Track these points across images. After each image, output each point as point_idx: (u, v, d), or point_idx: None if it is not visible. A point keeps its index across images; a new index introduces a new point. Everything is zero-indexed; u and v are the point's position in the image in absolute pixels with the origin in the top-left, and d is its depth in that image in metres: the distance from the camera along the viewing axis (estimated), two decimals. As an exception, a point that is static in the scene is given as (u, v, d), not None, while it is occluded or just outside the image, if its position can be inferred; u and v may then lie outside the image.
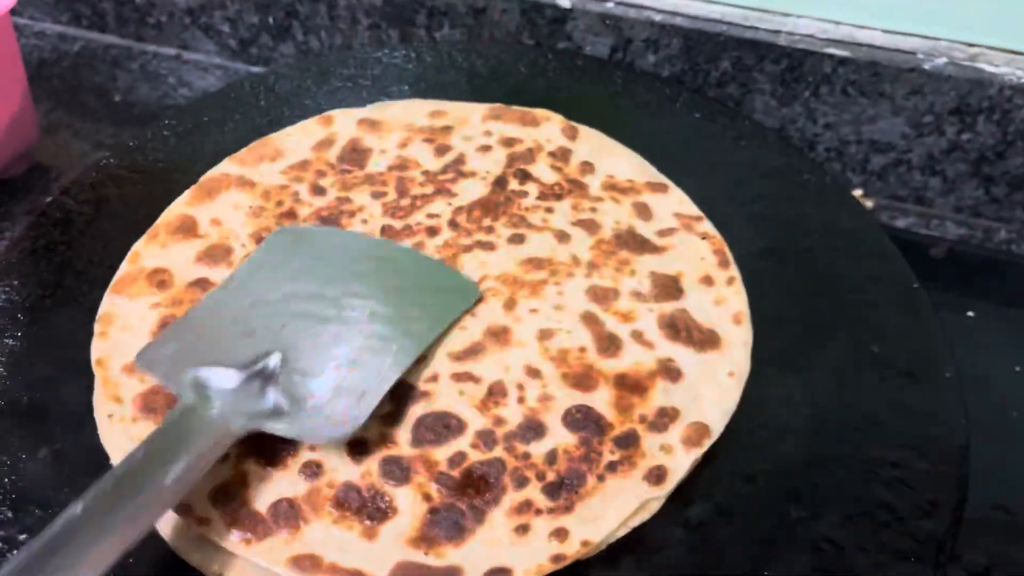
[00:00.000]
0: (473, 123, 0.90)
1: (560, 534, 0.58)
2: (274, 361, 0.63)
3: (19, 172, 1.02)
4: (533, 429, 0.63)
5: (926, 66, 0.92)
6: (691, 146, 0.88)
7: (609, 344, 0.69)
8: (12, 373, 0.69)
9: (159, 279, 0.74)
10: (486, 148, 0.87)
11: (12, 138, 0.97)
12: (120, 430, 0.63)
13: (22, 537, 0.59)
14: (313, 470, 0.61)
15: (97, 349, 0.69)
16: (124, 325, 0.70)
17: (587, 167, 0.85)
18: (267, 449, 0.62)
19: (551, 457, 0.62)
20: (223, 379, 0.61)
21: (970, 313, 0.86)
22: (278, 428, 0.60)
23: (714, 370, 0.68)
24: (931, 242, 0.96)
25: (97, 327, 0.70)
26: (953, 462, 0.63)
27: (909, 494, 0.61)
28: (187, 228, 0.78)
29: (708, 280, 0.75)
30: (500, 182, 0.83)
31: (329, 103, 0.93)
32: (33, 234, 0.80)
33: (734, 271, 0.76)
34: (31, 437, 0.65)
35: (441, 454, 0.62)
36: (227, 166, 0.85)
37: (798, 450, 0.64)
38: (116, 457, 0.62)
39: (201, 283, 0.73)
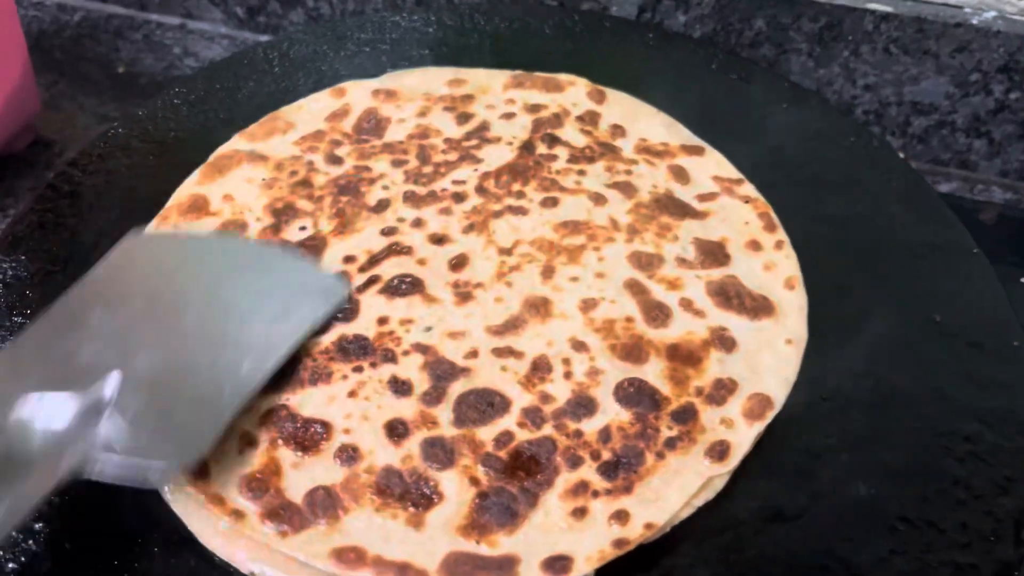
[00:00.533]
0: (495, 91, 0.85)
1: (621, 517, 0.53)
2: (112, 385, 0.54)
3: (21, 147, 0.96)
4: (583, 405, 0.59)
5: (974, 21, 0.86)
6: (728, 109, 0.83)
7: (658, 313, 0.65)
8: None
9: (174, 259, 0.69)
10: (510, 115, 0.82)
11: (13, 111, 0.91)
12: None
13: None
14: (349, 454, 0.57)
15: None
16: (135, 304, 0.66)
17: (618, 130, 0.81)
18: (299, 433, 0.58)
19: (605, 434, 0.57)
20: (51, 410, 0.53)
21: (1023, 279, 0.83)
22: (108, 467, 0.52)
23: (770, 338, 0.64)
24: (975, 207, 0.91)
25: None
26: (1029, 434, 0.59)
27: (985, 470, 0.57)
28: (198, 206, 0.73)
29: (755, 245, 0.71)
30: (527, 147, 0.78)
31: (347, 69, 0.88)
32: (41, 207, 0.74)
33: (782, 234, 0.72)
34: None
35: (486, 434, 0.58)
36: (237, 142, 0.79)
37: (864, 424, 0.60)
38: None
39: (220, 263, 0.69)
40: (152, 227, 0.72)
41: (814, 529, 0.55)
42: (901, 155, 0.94)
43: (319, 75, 0.88)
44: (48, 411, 0.53)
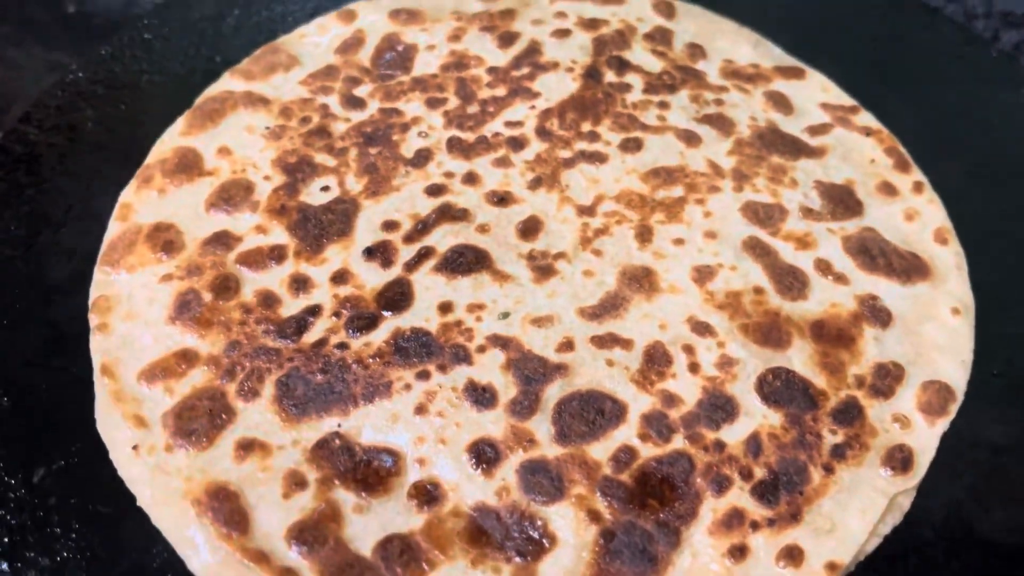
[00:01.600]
0: (540, 3, 0.70)
1: (793, 556, 0.42)
2: None
3: None
4: (720, 407, 0.47)
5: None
6: (821, 20, 0.71)
7: (792, 281, 0.52)
8: None
9: (164, 239, 0.54)
10: (563, 33, 0.67)
11: None
12: (151, 465, 0.45)
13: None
14: (429, 493, 0.44)
15: (99, 349, 0.50)
16: (129, 311, 0.51)
17: (697, 50, 0.67)
18: (359, 468, 0.45)
19: (754, 445, 0.45)
20: None
21: None
22: None
23: (932, 306, 0.52)
24: None
25: (93, 318, 0.51)
26: None
27: None
28: (189, 164, 0.58)
29: (889, 188, 0.58)
30: (592, 74, 0.64)
31: None
32: None
33: (918, 174, 0.59)
34: (21, 452, 0.47)
35: (600, 451, 0.45)
36: (229, 82, 0.64)
37: (1052, 403, 0.49)
38: (145, 498, 0.45)
39: (221, 239, 0.54)
40: (131, 192, 0.57)
41: (1020, 545, 0.45)
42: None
43: None
44: None
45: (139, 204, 0.56)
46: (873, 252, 0.53)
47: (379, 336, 0.49)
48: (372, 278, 0.52)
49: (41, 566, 0.44)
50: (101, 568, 0.44)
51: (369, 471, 0.45)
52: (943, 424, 0.47)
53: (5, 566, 0.44)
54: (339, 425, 0.46)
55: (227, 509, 0.43)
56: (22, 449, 0.48)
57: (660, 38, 0.67)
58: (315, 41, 0.67)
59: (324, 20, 0.68)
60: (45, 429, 0.48)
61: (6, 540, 0.44)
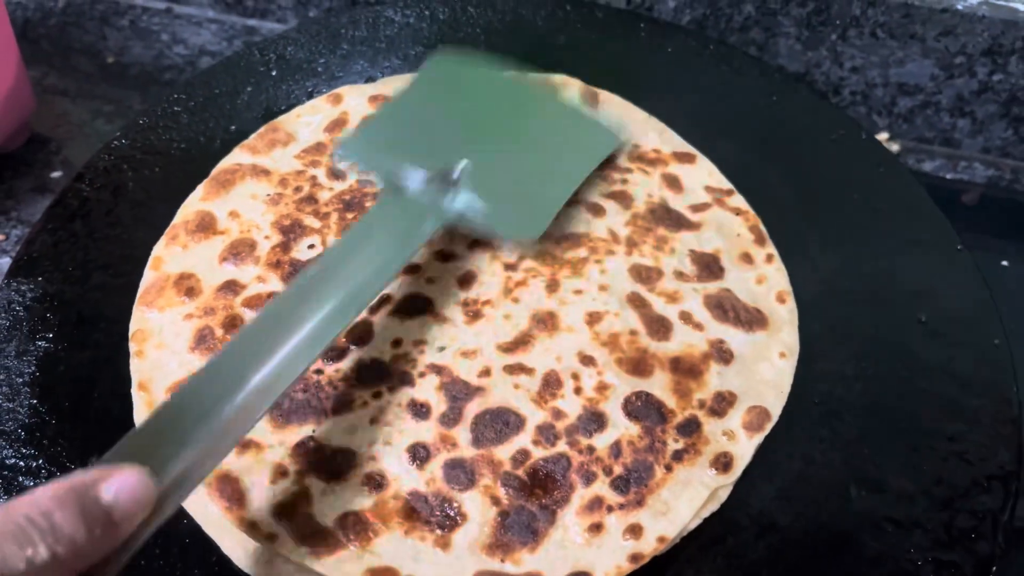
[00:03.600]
0: None
1: (635, 531, 0.57)
2: (461, 167, 0.68)
3: (17, 145, 0.94)
4: (594, 420, 0.62)
5: (959, 6, 0.88)
6: (722, 103, 0.84)
7: (659, 327, 0.67)
8: (49, 376, 0.65)
9: (186, 286, 0.69)
10: None
11: (9, 110, 0.89)
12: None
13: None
14: (377, 481, 0.59)
15: (137, 370, 0.64)
16: (159, 342, 0.66)
17: (612, 138, 0.82)
18: (328, 463, 0.60)
19: (616, 449, 0.60)
20: (415, 177, 0.67)
21: (1004, 263, 0.85)
22: (474, 219, 0.67)
23: (765, 350, 0.66)
24: (960, 186, 0.94)
25: (132, 345, 0.66)
26: (1008, 434, 0.62)
27: (966, 469, 0.60)
28: (206, 225, 0.74)
29: (747, 258, 0.73)
30: (526, 152, 0.79)
31: (342, 68, 0.87)
32: (52, 226, 0.74)
33: (771, 248, 0.74)
34: (78, 444, 0.62)
35: (504, 452, 0.60)
36: (239, 155, 0.79)
37: (853, 428, 0.63)
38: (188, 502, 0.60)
39: (230, 287, 0.69)
40: (162, 247, 0.73)
41: (810, 532, 0.58)
42: (884, 135, 0.97)
43: (316, 77, 0.87)
44: (412, 177, 0.68)
45: (167, 257, 0.72)
46: (726, 307, 0.68)
47: (347, 364, 0.64)
48: None
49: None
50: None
51: (334, 465, 0.60)
52: (759, 438, 0.61)
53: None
54: (313, 431, 0.61)
55: (229, 490, 0.58)
56: (80, 442, 0.62)
57: (583, 127, 0.82)
58: (308, 120, 0.82)
59: (316, 102, 0.84)
60: (97, 428, 0.62)
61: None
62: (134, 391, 0.64)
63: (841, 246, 0.74)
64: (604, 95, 0.84)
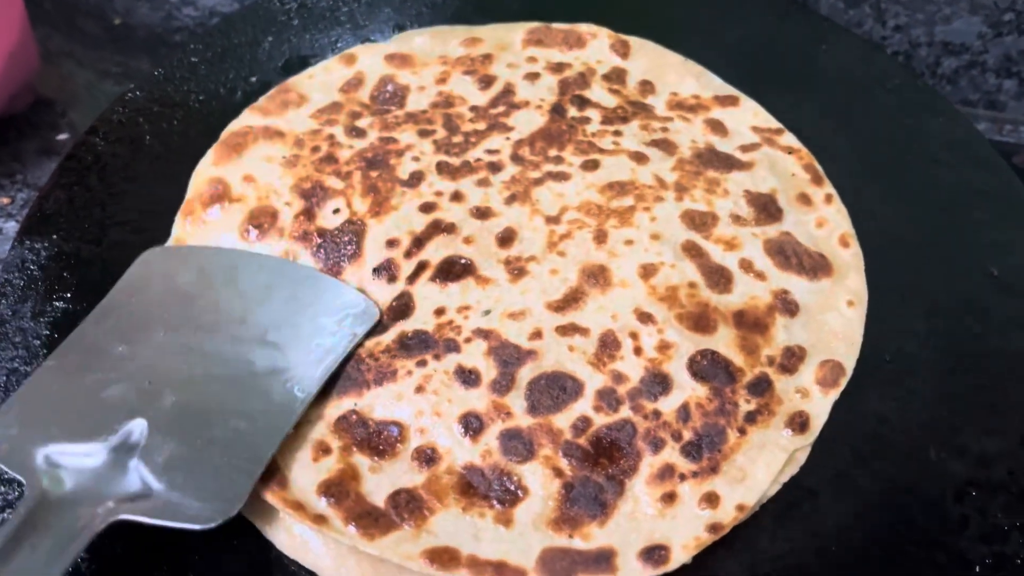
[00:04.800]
0: (514, 48, 0.78)
1: (711, 500, 0.52)
2: (139, 430, 0.51)
3: (22, 107, 0.88)
4: (658, 383, 0.56)
5: (1012, -42, 0.82)
6: (766, 52, 0.78)
7: (719, 277, 0.61)
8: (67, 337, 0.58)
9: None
10: (534, 76, 0.75)
11: (13, 69, 0.83)
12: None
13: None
14: (428, 455, 0.54)
15: None
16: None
17: (647, 87, 0.75)
18: (373, 438, 0.55)
19: (684, 413, 0.55)
20: (79, 457, 0.50)
21: None
22: (141, 513, 0.48)
23: (832, 299, 0.61)
24: (1004, 148, 0.88)
25: None
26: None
27: (1055, 429, 0.55)
28: (220, 194, 0.67)
29: (805, 199, 0.67)
30: (558, 110, 0.72)
31: (368, 16, 0.81)
32: (66, 181, 0.68)
33: (830, 188, 0.68)
34: None
35: (563, 420, 0.55)
36: (249, 117, 0.72)
37: (928, 386, 0.58)
38: None
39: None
40: (177, 223, 0.66)
41: (890, 495, 0.54)
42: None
43: (339, 27, 0.81)
44: (78, 455, 0.50)
45: (186, 235, 0.66)
46: (787, 253, 0.63)
47: (388, 337, 0.59)
48: (382, 294, 0.61)
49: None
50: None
51: (380, 439, 0.54)
52: (834, 394, 0.56)
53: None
54: (355, 404, 0.56)
55: (270, 469, 0.53)
56: None
57: (616, 78, 0.76)
58: (322, 80, 0.75)
59: (329, 63, 0.77)
60: None
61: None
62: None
63: (903, 197, 0.68)
64: (635, 42, 0.78)
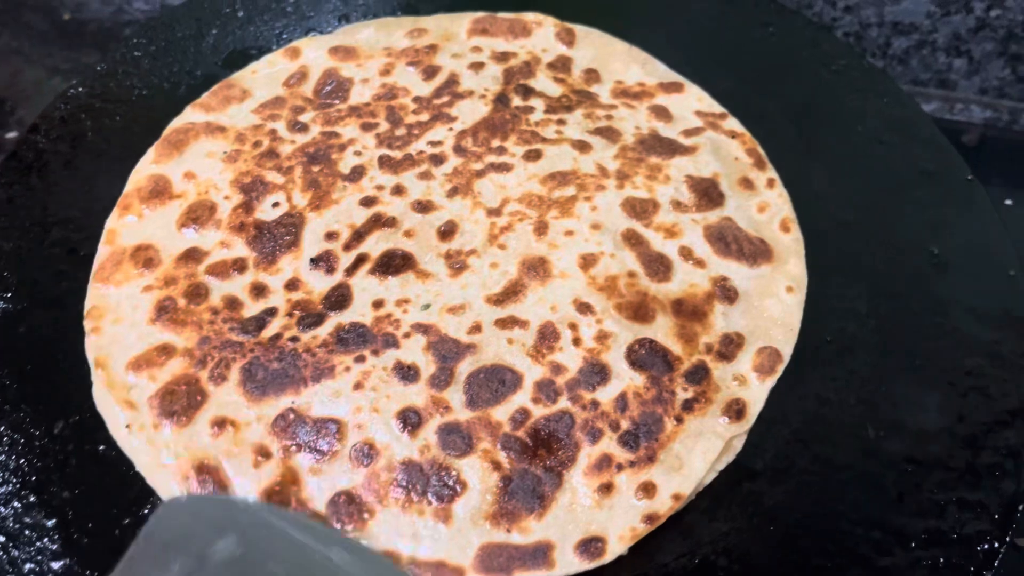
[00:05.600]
0: (458, 39, 0.77)
1: (647, 489, 0.52)
2: None
3: None
4: (596, 373, 0.56)
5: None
6: (712, 37, 0.77)
7: (659, 266, 0.61)
8: (8, 337, 0.59)
9: (144, 257, 0.62)
10: (478, 65, 0.74)
11: None
12: (143, 441, 0.54)
13: (50, 523, 0.51)
14: (366, 452, 0.53)
15: (93, 347, 0.58)
16: (116, 317, 0.59)
17: (592, 75, 0.74)
18: (311, 437, 0.54)
19: (622, 402, 0.55)
20: None
21: (1008, 201, 0.79)
22: None
23: (771, 285, 0.61)
24: (956, 128, 0.87)
25: (88, 323, 0.59)
26: (1031, 365, 0.57)
27: (988, 404, 0.55)
28: (160, 190, 0.66)
29: (747, 183, 0.67)
30: (502, 99, 0.71)
31: (314, 7, 0.79)
32: (7, 180, 0.67)
33: (772, 172, 0.68)
34: (41, 410, 0.56)
35: (501, 413, 0.54)
36: (191, 114, 0.71)
37: (868, 366, 0.58)
38: (142, 466, 0.54)
39: (192, 254, 0.62)
40: (115, 219, 0.65)
41: (828, 474, 0.53)
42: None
43: (285, 18, 0.79)
44: None
45: (122, 229, 0.64)
46: (728, 239, 0.62)
47: (324, 330, 0.58)
48: (318, 284, 0.60)
49: (63, 497, 0.52)
50: (113, 496, 0.53)
51: (319, 438, 0.54)
52: (771, 381, 0.56)
53: (34, 497, 0.52)
54: (293, 402, 0.55)
55: (212, 481, 0.52)
56: (44, 407, 0.56)
57: (560, 66, 0.75)
58: (265, 75, 0.74)
59: (272, 57, 0.75)
60: (62, 392, 0.57)
61: (34, 479, 0.53)
62: (92, 370, 0.58)
63: (847, 178, 0.68)
64: (581, 31, 0.77)
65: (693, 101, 0.72)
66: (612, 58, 0.75)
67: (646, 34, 0.76)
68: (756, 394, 0.56)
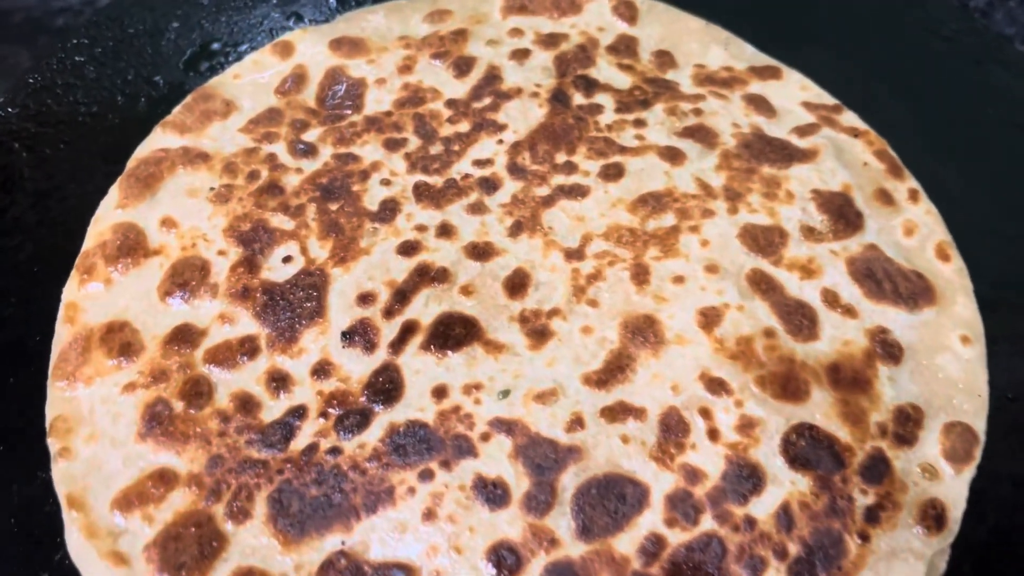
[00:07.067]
0: (492, 20, 0.62)
1: (840, 644, 0.39)
2: None
3: None
4: (747, 477, 0.42)
5: None
6: (793, 5, 0.63)
7: (801, 318, 0.47)
8: None
9: (120, 341, 0.46)
10: (522, 53, 0.59)
11: None
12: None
13: None
14: (454, 615, 0.39)
15: (64, 477, 0.43)
16: (91, 432, 0.44)
17: (665, 58, 0.59)
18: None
19: (785, 517, 0.41)
20: None
21: None
22: None
23: (941, 335, 0.47)
24: None
25: (53, 443, 0.44)
26: None
27: None
28: (132, 245, 0.50)
29: (885, 197, 0.52)
30: (559, 98, 0.56)
31: None
32: None
33: (912, 180, 0.54)
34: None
35: (627, 543, 0.41)
36: (162, 137, 0.55)
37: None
38: None
39: (183, 334, 0.47)
40: (74, 288, 0.49)
41: None
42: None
43: (265, 3, 0.63)
44: None
45: (85, 302, 0.48)
46: (878, 275, 0.48)
47: (373, 435, 0.43)
48: (356, 367, 0.46)
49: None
50: None
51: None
52: (970, 471, 0.43)
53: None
54: (343, 543, 0.41)
55: None
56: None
57: (625, 49, 0.60)
58: (252, 80, 0.57)
59: (259, 56, 0.59)
60: (24, 549, 0.42)
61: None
62: (64, 511, 0.42)
63: (989, 179, 0.55)
64: (643, 3, 0.62)
65: (796, 90, 0.58)
66: (685, 37, 0.61)
67: (714, 8, 0.62)
68: (954, 491, 0.43)
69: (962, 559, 0.42)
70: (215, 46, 0.61)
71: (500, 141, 0.54)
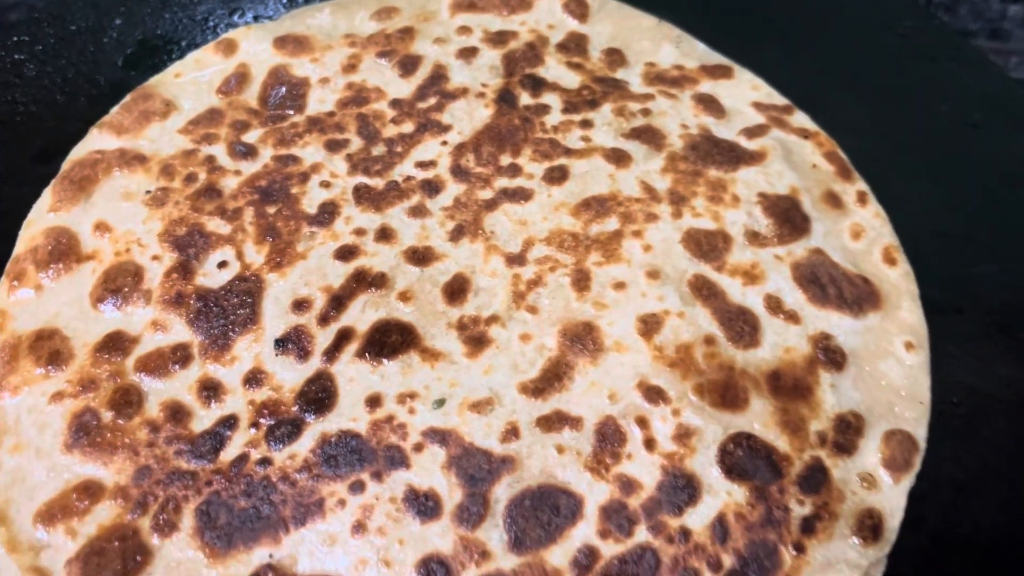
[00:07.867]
0: (440, 18, 0.60)
1: (771, 657, 0.38)
2: None
3: None
4: (682, 487, 0.41)
5: None
6: (746, 2, 0.62)
7: (743, 326, 0.46)
8: None
9: (49, 349, 0.45)
10: (470, 52, 0.58)
11: None
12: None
13: None
14: (381, 631, 0.39)
15: None
16: (16, 443, 0.43)
17: (615, 57, 0.58)
18: None
19: (720, 528, 0.40)
20: None
21: None
22: None
23: (885, 341, 0.46)
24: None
25: None
26: None
27: None
28: (64, 250, 0.48)
29: (833, 200, 0.52)
30: (506, 98, 0.55)
31: None
32: None
33: (861, 183, 0.53)
34: None
35: (559, 555, 0.40)
36: (98, 138, 0.53)
37: (1010, 435, 0.45)
38: None
39: (115, 342, 0.45)
40: (3, 294, 0.48)
41: None
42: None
43: (211, 2, 0.61)
44: None
45: (14, 308, 0.47)
46: (823, 280, 0.48)
47: (304, 445, 0.42)
48: (289, 375, 0.44)
49: None
50: None
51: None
52: (908, 480, 0.42)
53: None
54: (271, 556, 0.40)
55: None
56: None
57: (575, 47, 0.59)
58: (193, 79, 0.56)
59: (201, 54, 0.57)
60: None
61: None
62: (-14, 524, 0.41)
63: (941, 178, 0.54)
64: (596, 2, 0.61)
65: (747, 89, 0.57)
66: (637, 34, 0.60)
67: (666, 5, 0.61)
68: (892, 500, 0.42)
69: (901, 565, 0.42)
70: (158, 43, 0.59)
71: (444, 142, 0.53)
